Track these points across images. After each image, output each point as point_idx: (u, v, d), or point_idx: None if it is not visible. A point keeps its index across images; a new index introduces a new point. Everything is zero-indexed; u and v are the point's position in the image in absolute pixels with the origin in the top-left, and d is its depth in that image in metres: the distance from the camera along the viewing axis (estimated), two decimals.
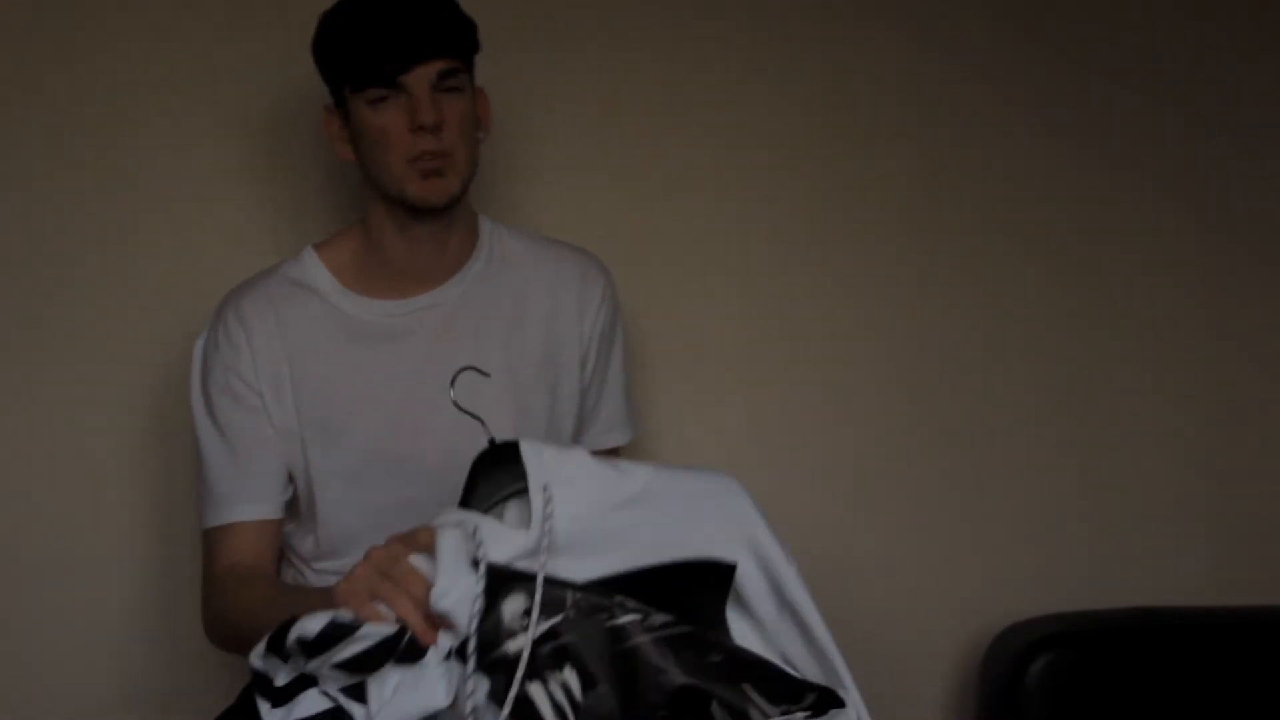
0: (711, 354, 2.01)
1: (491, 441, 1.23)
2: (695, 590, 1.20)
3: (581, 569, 1.15)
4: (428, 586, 1.11)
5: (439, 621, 1.11)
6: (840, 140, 2.04)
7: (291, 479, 1.58)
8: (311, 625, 1.11)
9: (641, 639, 1.13)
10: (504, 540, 1.13)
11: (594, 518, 1.17)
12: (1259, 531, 2.11)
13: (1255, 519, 2.11)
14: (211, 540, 1.56)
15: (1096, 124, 2.09)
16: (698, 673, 1.13)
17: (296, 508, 1.61)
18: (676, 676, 1.12)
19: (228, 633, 1.51)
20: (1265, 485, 2.12)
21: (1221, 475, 2.11)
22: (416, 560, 1.14)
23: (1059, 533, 2.07)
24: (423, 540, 1.15)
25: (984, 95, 2.06)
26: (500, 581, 1.11)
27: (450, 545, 1.12)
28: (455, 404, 1.28)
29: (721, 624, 1.20)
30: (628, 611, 1.13)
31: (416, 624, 1.11)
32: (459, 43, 1.51)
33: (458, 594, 1.11)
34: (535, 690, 1.10)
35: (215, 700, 1.62)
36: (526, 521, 1.17)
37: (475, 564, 1.11)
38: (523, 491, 1.19)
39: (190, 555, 1.67)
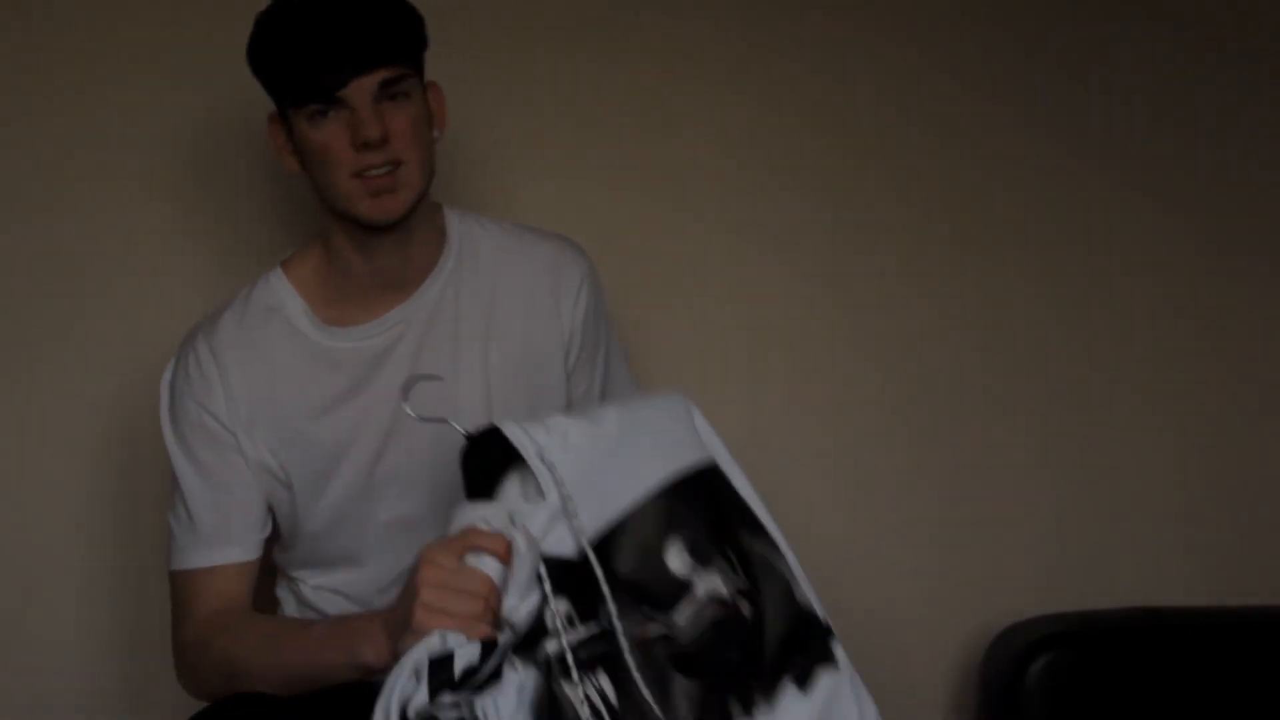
0: (710, 354, 2.00)
1: (468, 436, 1.22)
2: (715, 495, 1.26)
3: (603, 511, 1.19)
4: (498, 591, 1.14)
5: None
6: (837, 141, 2.03)
7: (271, 510, 1.51)
8: (470, 653, 1.10)
9: (666, 652, 1.17)
10: (533, 517, 1.17)
11: (593, 464, 1.21)
12: (1258, 531, 2.11)
13: (1254, 519, 2.11)
14: (188, 582, 1.48)
15: (1093, 131, 2.08)
16: (715, 673, 1.18)
17: (278, 530, 1.55)
18: (696, 689, 1.16)
19: (224, 672, 1.40)
20: (1265, 485, 2.11)
21: (1221, 475, 2.11)
22: (476, 563, 1.15)
23: (1059, 533, 2.06)
24: (474, 542, 1.15)
25: (980, 101, 2.06)
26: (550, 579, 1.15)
27: (526, 564, 1.14)
28: (411, 414, 1.27)
29: (754, 522, 1.26)
30: (654, 623, 1.17)
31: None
32: (402, 46, 1.38)
33: (528, 608, 1.15)
34: (571, 692, 1.13)
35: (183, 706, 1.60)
36: (525, 492, 1.19)
37: (539, 578, 1.15)
38: (515, 468, 1.21)
39: (155, 557, 1.62)
